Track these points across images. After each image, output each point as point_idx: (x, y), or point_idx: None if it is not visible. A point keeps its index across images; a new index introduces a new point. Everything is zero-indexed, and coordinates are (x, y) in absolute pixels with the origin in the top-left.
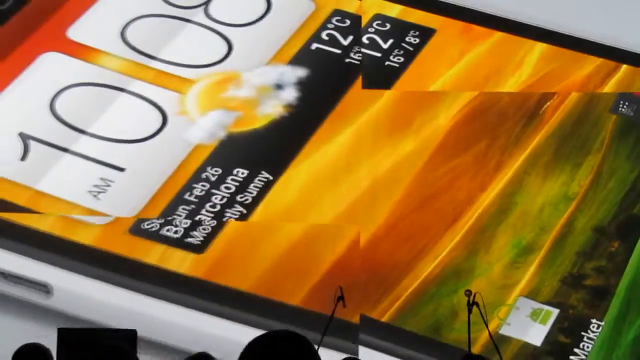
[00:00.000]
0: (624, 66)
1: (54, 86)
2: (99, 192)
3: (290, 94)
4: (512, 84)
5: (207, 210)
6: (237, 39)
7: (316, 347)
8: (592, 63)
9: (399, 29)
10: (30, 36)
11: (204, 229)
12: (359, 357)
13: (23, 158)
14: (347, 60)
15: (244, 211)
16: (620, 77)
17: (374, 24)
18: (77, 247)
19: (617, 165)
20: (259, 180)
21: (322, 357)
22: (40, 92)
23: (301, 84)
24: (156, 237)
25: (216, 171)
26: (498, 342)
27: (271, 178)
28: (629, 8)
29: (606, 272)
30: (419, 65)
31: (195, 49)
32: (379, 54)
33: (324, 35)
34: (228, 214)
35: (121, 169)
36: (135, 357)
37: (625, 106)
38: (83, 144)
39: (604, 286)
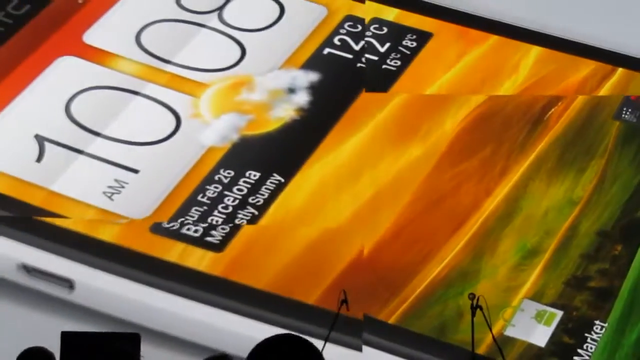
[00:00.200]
0: (620, 69)
1: (69, 89)
2: (113, 194)
3: (302, 98)
4: (508, 87)
5: (219, 212)
6: (251, 43)
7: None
8: (588, 66)
9: (396, 32)
10: (47, 40)
11: (222, 229)
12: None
13: (39, 160)
14: (359, 64)
15: (256, 213)
16: (616, 80)
17: (372, 28)
18: (99, 244)
19: (621, 171)
20: (271, 182)
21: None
22: (56, 95)
23: (313, 88)
24: (176, 235)
25: (229, 173)
26: (503, 342)
27: (283, 180)
28: (625, 12)
29: (609, 274)
30: (415, 68)
31: (209, 53)
32: (376, 58)
33: (336, 40)
34: (240, 216)
35: (135, 171)
36: None
37: (628, 113)
38: (98, 146)
39: (608, 288)
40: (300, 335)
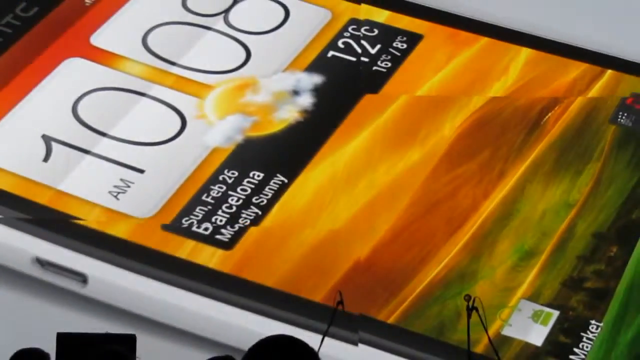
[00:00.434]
0: (609, 71)
1: (77, 90)
2: (119, 193)
3: (306, 100)
4: (498, 89)
5: (223, 212)
6: (256, 46)
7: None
8: (578, 68)
9: (387, 34)
10: (55, 42)
11: (232, 228)
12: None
13: (46, 159)
14: (375, 68)
15: (259, 212)
16: (604, 82)
17: (363, 30)
18: (112, 241)
19: (616, 174)
20: (274, 182)
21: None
22: (64, 96)
23: (317, 91)
24: (187, 233)
25: (233, 174)
26: (500, 342)
27: (286, 181)
28: (614, 14)
29: (605, 275)
30: (406, 70)
31: (215, 55)
32: (367, 59)
33: (340, 43)
34: (243, 215)
35: (141, 171)
36: None
37: (624, 117)
38: (104, 146)
39: (603, 289)
40: (295, 337)
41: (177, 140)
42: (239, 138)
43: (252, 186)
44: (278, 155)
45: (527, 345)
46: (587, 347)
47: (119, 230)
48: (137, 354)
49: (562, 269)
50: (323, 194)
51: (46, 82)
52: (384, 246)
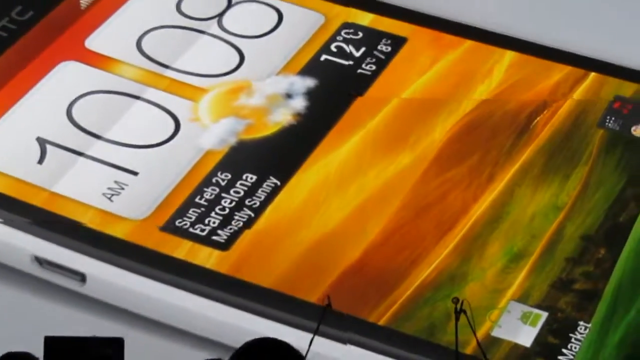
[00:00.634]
0: (592, 74)
1: (71, 93)
2: (113, 195)
3: (300, 103)
4: (482, 91)
5: (216, 213)
6: (249, 49)
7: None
8: (561, 71)
9: (371, 37)
10: (50, 45)
11: (229, 229)
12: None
13: (40, 161)
14: (359, 71)
15: (252, 215)
16: (588, 84)
17: (343, 32)
18: (111, 240)
19: (604, 177)
20: (267, 185)
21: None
22: (58, 98)
23: (310, 94)
24: (185, 234)
25: (226, 176)
26: (490, 343)
27: (279, 183)
28: (597, 17)
29: (593, 277)
30: (390, 73)
31: (209, 58)
32: (351, 62)
33: (332, 47)
34: (236, 217)
35: (135, 173)
36: None
37: (611, 121)
38: (98, 149)
39: (592, 290)
40: (280, 340)
41: (171, 142)
42: (233, 141)
43: (245, 188)
44: (271, 158)
45: (517, 346)
46: (575, 347)
47: (113, 232)
48: (134, 352)
49: (551, 270)
50: (316, 197)
51: (41, 85)
52: (376, 249)
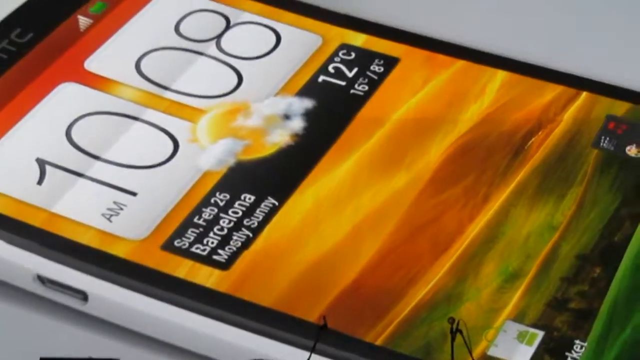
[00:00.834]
0: (584, 93)
1: (71, 114)
2: (112, 215)
3: (297, 124)
4: (474, 111)
5: (214, 234)
6: (247, 71)
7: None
8: (553, 90)
9: (364, 58)
10: (49, 67)
11: (229, 249)
12: None
13: (40, 182)
14: (352, 92)
15: (250, 235)
16: (580, 103)
17: (340, 53)
18: (113, 259)
19: (599, 197)
20: (265, 205)
21: None
22: (58, 120)
23: (308, 115)
24: (186, 253)
25: (224, 196)
26: None
27: (277, 204)
28: (590, 37)
29: (589, 296)
30: (383, 93)
31: (207, 80)
32: (344, 83)
33: (330, 68)
34: (234, 237)
35: (134, 194)
36: None
37: (606, 141)
38: (98, 169)
39: (587, 309)
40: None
41: (170, 163)
42: (231, 161)
43: (244, 209)
44: (269, 178)
45: None
46: None
47: (113, 252)
48: None
49: (546, 290)
50: (313, 217)
51: (40, 106)
52: (372, 269)
